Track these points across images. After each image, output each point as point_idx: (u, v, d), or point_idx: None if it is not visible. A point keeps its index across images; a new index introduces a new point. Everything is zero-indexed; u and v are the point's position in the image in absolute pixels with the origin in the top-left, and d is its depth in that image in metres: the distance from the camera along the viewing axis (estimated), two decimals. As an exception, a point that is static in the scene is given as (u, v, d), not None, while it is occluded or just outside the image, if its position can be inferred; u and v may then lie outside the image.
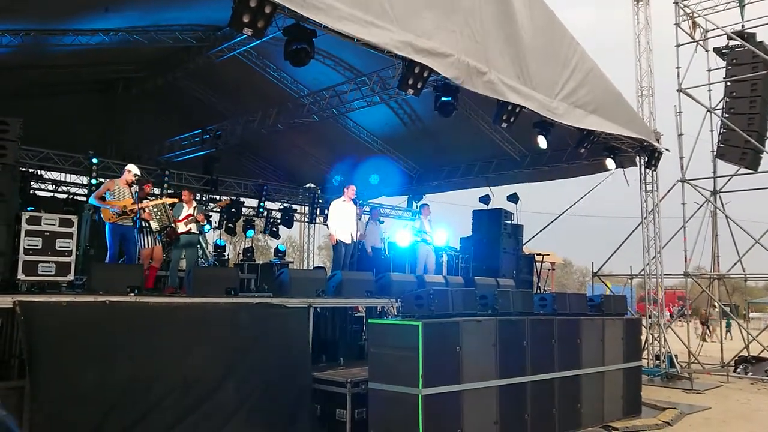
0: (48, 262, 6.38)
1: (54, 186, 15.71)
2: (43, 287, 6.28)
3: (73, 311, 5.63)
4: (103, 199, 8.35)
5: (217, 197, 16.19)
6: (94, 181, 12.96)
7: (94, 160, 13.02)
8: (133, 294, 6.30)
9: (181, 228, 9.08)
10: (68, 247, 6.55)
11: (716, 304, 17.03)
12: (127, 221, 8.41)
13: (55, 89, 13.08)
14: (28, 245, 6.32)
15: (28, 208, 9.40)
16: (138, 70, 13.16)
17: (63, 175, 15.39)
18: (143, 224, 8.87)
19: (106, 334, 5.76)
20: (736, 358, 14.69)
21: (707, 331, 20.06)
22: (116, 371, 5.73)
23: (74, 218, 6.79)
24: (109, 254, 8.33)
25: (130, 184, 8.50)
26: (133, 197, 8.41)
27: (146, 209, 8.75)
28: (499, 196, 15.56)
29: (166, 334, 6.16)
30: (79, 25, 9.66)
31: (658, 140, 12.71)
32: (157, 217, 8.84)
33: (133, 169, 8.64)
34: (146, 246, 8.88)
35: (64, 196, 15.46)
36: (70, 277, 6.64)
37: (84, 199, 13.83)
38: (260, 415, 6.58)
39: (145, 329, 6.01)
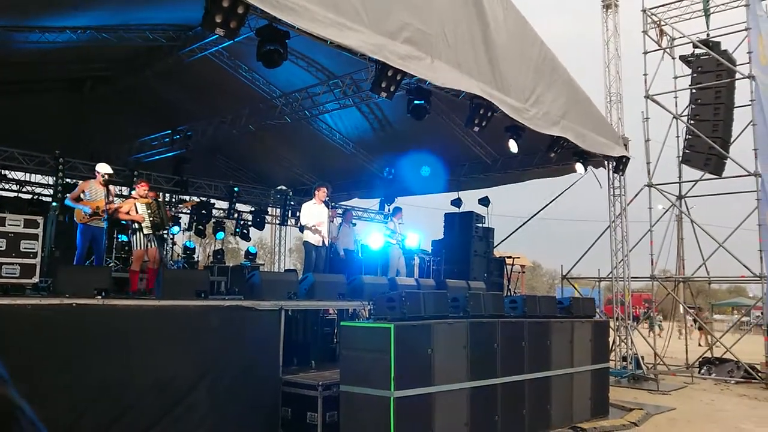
0: (12, 264, 6.21)
1: (18, 186, 15.36)
2: (6, 290, 6.11)
3: (38, 314, 5.50)
4: (78, 200, 8.22)
5: (187, 198, 16.02)
6: (60, 182, 12.70)
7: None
8: (100, 296, 6.18)
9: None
10: (33, 248, 6.40)
11: (682, 306, 17.39)
12: (98, 222, 8.28)
13: (20, 87, 12.79)
14: (-8, 247, 6.16)
15: (-8, 209, 9.21)
16: (107, 69, 12.93)
17: (28, 175, 15.06)
18: (134, 225, 8.74)
19: (72, 337, 5.65)
20: (700, 359, 15.02)
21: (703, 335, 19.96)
22: (84, 375, 5.62)
23: (40, 219, 6.63)
24: (77, 255, 8.20)
25: (105, 184, 8.37)
26: (105, 198, 8.27)
27: (138, 209, 8.64)
28: (470, 199, 15.70)
29: (135, 338, 6.06)
30: (45, 22, 9.46)
31: (626, 145, 12.95)
32: (151, 218, 8.72)
33: (103, 169, 8.50)
34: (139, 247, 8.74)
35: (29, 196, 15.13)
36: (35, 279, 6.48)
37: (50, 199, 13.56)
38: (231, 419, 6.52)
39: (113, 332, 5.91)
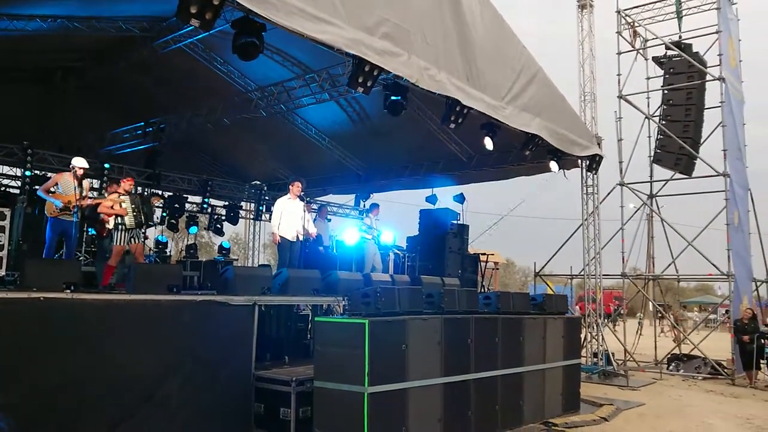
0: (-23, 256, 6.08)
1: (-15, 178, 14.99)
2: (-29, 283, 5.98)
3: (4, 308, 5.37)
4: (50, 192, 8.05)
5: (159, 192, 15.78)
6: (28, 173, 12.41)
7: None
8: (69, 291, 6.06)
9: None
10: (0, 241, 6.26)
11: (651, 303, 17.67)
12: (69, 216, 8.12)
13: (-13, 76, 12.49)
14: (-43, 239, 6.02)
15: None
16: (78, 60, 12.68)
17: (-4, 166, 14.71)
18: (117, 220, 8.59)
19: (39, 331, 5.52)
20: (669, 355, 15.30)
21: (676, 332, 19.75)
22: (51, 370, 5.50)
23: (6, 211, 6.50)
24: (46, 248, 8.04)
25: (79, 179, 8.20)
26: (77, 192, 8.10)
27: (122, 205, 8.50)
28: (445, 196, 15.74)
29: (105, 333, 5.94)
30: (14, 9, 9.24)
31: (599, 144, 13.10)
32: (134, 213, 8.57)
33: (79, 163, 8.33)
34: (119, 242, 8.59)
35: (-3, 188, 14.77)
36: (1, 272, 6.35)
37: (17, 191, 13.25)
38: (202, 415, 6.45)
39: (81, 327, 5.78)
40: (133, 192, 9.32)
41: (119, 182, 9.14)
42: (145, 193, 13.74)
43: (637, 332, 15.89)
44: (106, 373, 5.83)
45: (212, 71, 12.77)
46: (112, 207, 8.70)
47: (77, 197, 8.12)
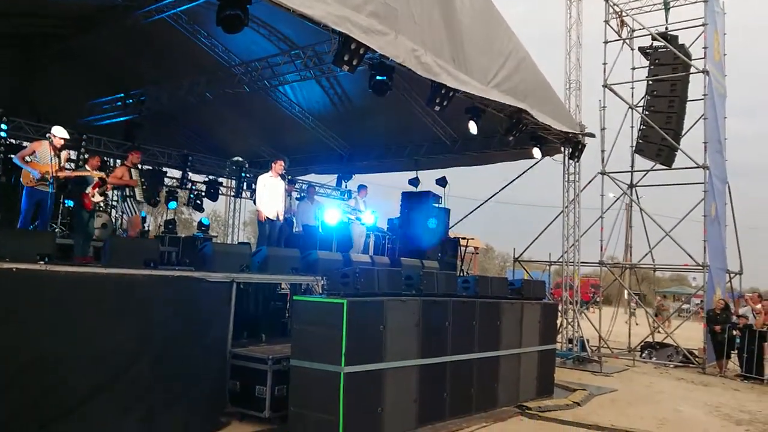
0: (-52, 224, 5.93)
1: (-42, 145, 14.63)
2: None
3: (-26, 278, 5.25)
4: (26, 160, 7.88)
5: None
6: (2, 142, 12.14)
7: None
8: (43, 262, 5.95)
9: (97, 197, 8.74)
10: (-28, 209, 6.12)
11: (627, 291, 17.90)
12: (45, 187, 7.96)
13: (-39, 40, 12.14)
14: (-73, 206, 5.86)
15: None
16: (59, 27, 12.34)
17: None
18: (127, 192, 8.57)
19: (12, 302, 5.40)
20: (642, 343, 15.54)
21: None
22: (22, 344, 5.38)
23: (-20, 179, 6.34)
24: (21, 219, 7.88)
25: (58, 149, 8.04)
26: (55, 163, 7.95)
27: (133, 175, 8.47)
28: (428, 179, 15.73)
29: (79, 306, 5.82)
30: (-8, -29, 8.97)
31: (582, 132, 13.14)
32: (143, 186, 8.55)
33: (59, 133, 8.13)
34: (134, 213, 8.64)
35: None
36: (-27, 241, 6.20)
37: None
38: (177, 391, 6.39)
39: (55, 300, 5.67)
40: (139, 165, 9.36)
41: (95, 156, 9.09)
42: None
43: (612, 319, 16.11)
44: (80, 348, 5.72)
45: (195, 44, 12.52)
46: (121, 177, 8.68)
47: (55, 168, 7.96)
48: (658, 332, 15.92)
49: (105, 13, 11.21)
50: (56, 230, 10.77)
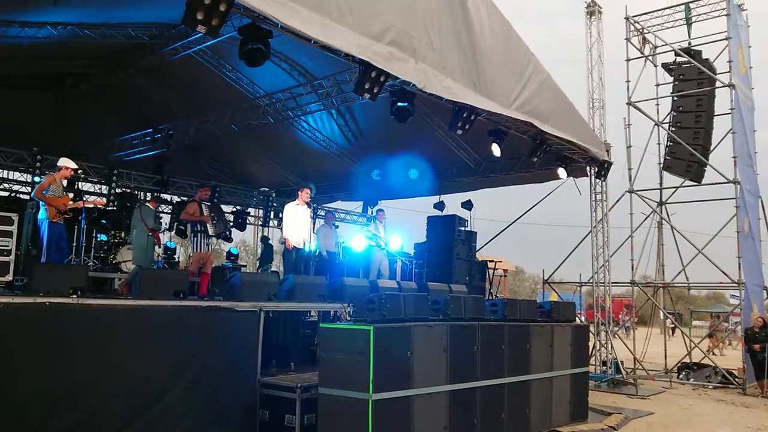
0: (-15, 262, 6.11)
1: (-5, 183, 15.10)
2: (-22, 288, 6.01)
3: (10, 313, 5.38)
4: (43, 195, 8.06)
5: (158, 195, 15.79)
6: (37, 179, 12.50)
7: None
8: (75, 296, 6.08)
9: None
10: (7, 246, 6.31)
11: (661, 311, 17.52)
12: (60, 219, 8.13)
13: (-1, 83, 12.59)
14: (-34, 244, 6.04)
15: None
16: (88, 66, 12.75)
17: (5, 172, 14.80)
18: (198, 227, 8.74)
19: (45, 336, 5.53)
20: (679, 364, 15.15)
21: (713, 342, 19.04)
22: (56, 374, 5.51)
23: (14, 216, 6.53)
24: (47, 255, 7.96)
25: (70, 180, 8.22)
26: (67, 194, 8.13)
27: (204, 211, 8.63)
28: (453, 202, 15.71)
29: (111, 337, 5.95)
30: (25, 17, 9.31)
31: (608, 151, 13.04)
32: (214, 222, 8.71)
33: (67, 164, 8.29)
34: (199, 249, 8.74)
35: (6, 193, 14.86)
36: (9, 277, 6.38)
37: (27, 197, 13.34)
38: (208, 420, 6.44)
39: (86, 332, 5.79)
40: (208, 200, 9.54)
41: (205, 187, 9.58)
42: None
43: (646, 340, 15.75)
44: (112, 379, 5.84)
45: (221, 78, 12.80)
46: (192, 214, 8.84)
47: (67, 200, 8.13)
48: (697, 353, 15.51)
49: (132, 52, 11.57)
50: (89, 264, 11.01)
